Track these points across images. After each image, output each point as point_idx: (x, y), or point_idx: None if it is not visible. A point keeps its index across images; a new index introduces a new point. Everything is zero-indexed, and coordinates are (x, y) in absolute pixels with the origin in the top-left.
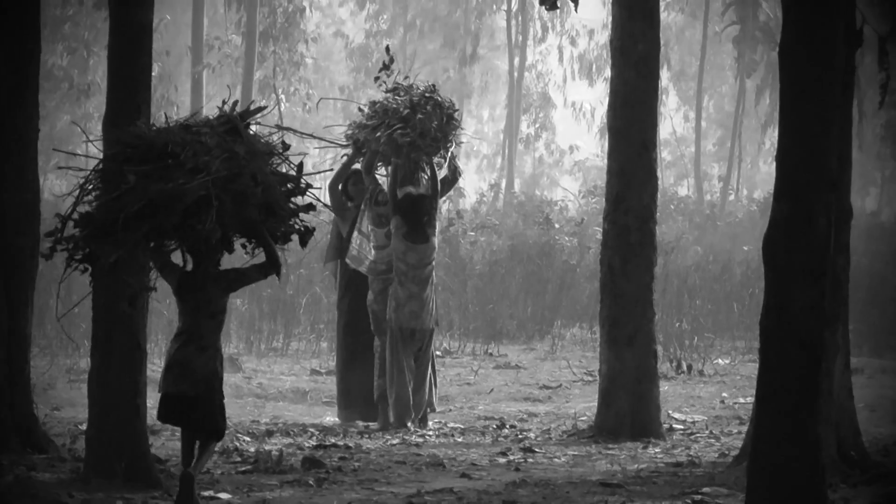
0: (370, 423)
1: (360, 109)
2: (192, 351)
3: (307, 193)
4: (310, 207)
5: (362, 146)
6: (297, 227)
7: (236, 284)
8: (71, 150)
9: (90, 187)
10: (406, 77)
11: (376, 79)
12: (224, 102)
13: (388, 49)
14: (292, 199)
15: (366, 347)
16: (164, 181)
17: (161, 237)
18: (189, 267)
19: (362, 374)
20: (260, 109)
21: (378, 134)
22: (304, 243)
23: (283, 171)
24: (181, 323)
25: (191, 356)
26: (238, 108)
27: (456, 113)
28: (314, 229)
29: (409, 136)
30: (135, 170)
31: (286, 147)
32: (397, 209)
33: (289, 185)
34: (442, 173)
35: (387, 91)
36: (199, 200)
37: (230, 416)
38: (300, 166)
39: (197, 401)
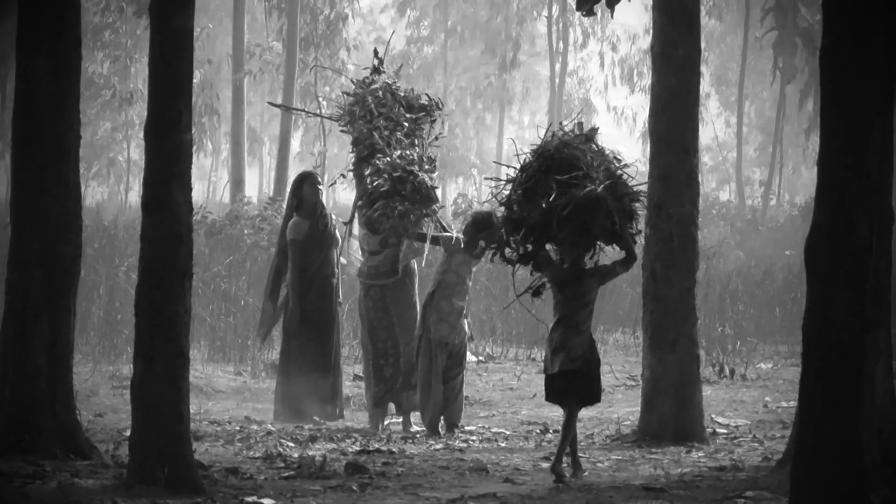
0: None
1: (345, 94)
2: (571, 335)
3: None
4: None
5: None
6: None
7: (606, 278)
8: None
9: (514, 197)
10: (395, 81)
11: (364, 79)
12: (572, 120)
13: (375, 52)
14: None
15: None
16: (580, 189)
17: (582, 236)
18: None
19: (316, 375)
20: (596, 130)
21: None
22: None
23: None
24: (559, 311)
25: (570, 338)
26: None
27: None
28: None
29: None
30: (559, 179)
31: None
32: (477, 224)
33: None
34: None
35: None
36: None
37: (273, 423)
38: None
39: (580, 374)
